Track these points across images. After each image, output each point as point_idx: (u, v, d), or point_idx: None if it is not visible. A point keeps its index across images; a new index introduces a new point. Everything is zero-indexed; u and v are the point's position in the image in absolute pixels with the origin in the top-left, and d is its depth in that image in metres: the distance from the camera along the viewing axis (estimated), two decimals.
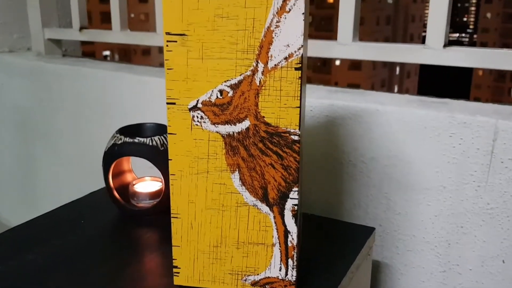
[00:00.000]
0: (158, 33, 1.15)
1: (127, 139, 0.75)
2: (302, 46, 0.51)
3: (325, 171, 0.89)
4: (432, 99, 0.86)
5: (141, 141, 0.74)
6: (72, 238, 0.73)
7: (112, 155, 0.76)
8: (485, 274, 0.79)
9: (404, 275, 0.85)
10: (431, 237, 0.82)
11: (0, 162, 1.58)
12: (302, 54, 0.51)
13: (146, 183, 0.82)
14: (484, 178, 0.76)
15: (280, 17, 0.50)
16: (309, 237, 0.70)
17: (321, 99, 0.87)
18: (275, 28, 0.51)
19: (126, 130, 0.79)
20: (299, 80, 0.52)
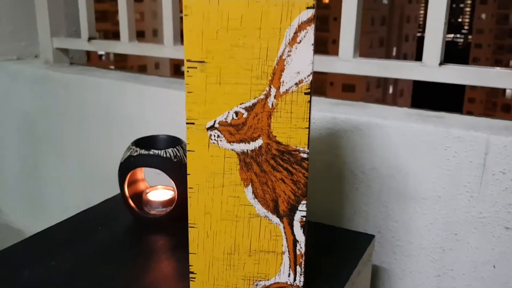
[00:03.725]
0: (166, 45, 1.20)
1: (143, 151, 0.80)
2: (311, 73, 0.56)
3: (327, 181, 0.94)
4: (429, 112, 0.91)
5: (156, 153, 0.79)
6: (91, 245, 0.78)
7: (128, 166, 0.81)
8: (477, 278, 0.84)
9: (401, 279, 0.91)
10: (426, 243, 0.87)
11: (7, 168, 1.62)
12: (311, 80, 0.56)
13: (159, 192, 0.87)
14: (476, 189, 0.81)
15: (292, 47, 0.55)
16: (312, 244, 0.75)
17: (324, 112, 0.92)
18: (287, 57, 0.56)
19: (140, 142, 0.84)
20: (308, 104, 0.57)
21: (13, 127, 1.54)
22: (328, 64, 0.97)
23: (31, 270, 0.70)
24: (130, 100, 1.21)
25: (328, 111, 0.92)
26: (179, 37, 1.19)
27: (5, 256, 0.76)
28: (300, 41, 0.55)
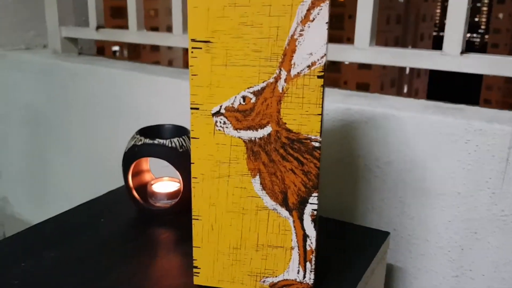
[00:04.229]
0: (175, 34, 1.17)
1: (147, 140, 0.76)
2: (325, 54, 0.52)
3: (340, 175, 0.90)
4: (447, 105, 0.86)
5: (161, 142, 0.76)
6: (92, 237, 0.75)
7: (132, 155, 0.77)
8: (497, 279, 0.79)
9: (417, 278, 0.86)
10: (444, 242, 0.82)
11: (13, 158, 1.60)
12: (325, 63, 0.52)
13: (164, 183, 0.84)
14: (499, 185, 0.76)
15: (304, 26, 0.51)
16: (324, 240, 0.71)
17: (337, 103, 0.88)
18: (299, 36, 0.52)
19: (145, 131, 0.80)
20: (321, 88, 0.53)
21: (20, 117, 1.52)
22: (343, 53, 0.93)
23: (31, 260, 0.67)
24: (139, 91, 1.18)
25: (342, 102, 0.88)
26: None
27: (6, 245, 0.73)
28: (314, 19, 0.51)
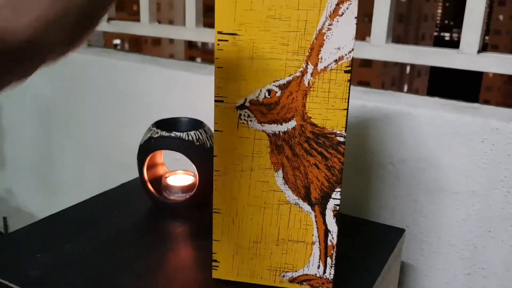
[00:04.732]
0: (188, 27, 1.16)
1: (164, 133, 0.76)
2: (352, 49, 0.52)
3: (354, 172, 0.90)
4: (463, 103, 0.86)
5: (178, 135, 0.75)
6: (107, 229, 0.74)
7: (149, 148, 0.77)
8: (510, 278, 0.79)
9: (428, 276, 0.86)
10: (457, 240, 0.83)
11: (21, 150, 1.59)
12: (352, 57, 0.52)
13: (178, 177, 0.84)
14: None
15: (333, 20, 0.51)
16: (341, 236, 0.71)
17: (353, 100, 0.87)
18: (327, 31, 0.51)
19: (161, 124, 0.80)
20: (348, 83, 0.53)
21: (28, 108, 1.51)
22: (359, 50, 0.92)
23: (45, 252, 0.67)
24: (148, 83, 1.17)
25: (357, 99, 0.88)
26: (202, 18, 1.15)
27: (19, 237, 0.72)
28: (342, 13, 0.51)
